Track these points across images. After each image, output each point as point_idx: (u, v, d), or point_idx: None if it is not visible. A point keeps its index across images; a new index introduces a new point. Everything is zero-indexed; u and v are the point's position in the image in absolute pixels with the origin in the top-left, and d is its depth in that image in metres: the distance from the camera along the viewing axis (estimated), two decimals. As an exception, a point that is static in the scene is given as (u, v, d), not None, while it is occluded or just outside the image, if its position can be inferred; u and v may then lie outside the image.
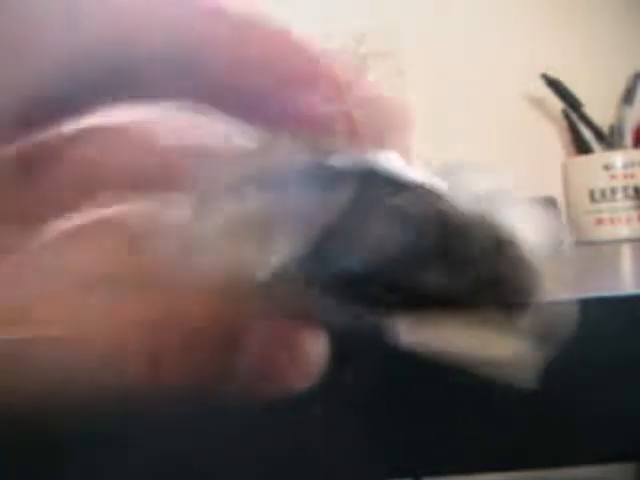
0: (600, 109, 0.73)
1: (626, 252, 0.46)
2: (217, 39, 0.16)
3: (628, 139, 0.71)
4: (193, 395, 0.19)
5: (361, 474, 0.19)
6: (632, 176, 0.68)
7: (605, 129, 0.73)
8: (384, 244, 0.11)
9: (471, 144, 0.81)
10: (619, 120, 0.71)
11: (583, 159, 0.72)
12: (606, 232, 0.69)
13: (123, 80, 0.17)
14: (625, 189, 0.68)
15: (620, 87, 0.72)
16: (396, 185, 0.12)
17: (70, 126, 0.15)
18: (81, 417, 0.19)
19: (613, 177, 0.68)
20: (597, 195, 0.69)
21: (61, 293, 0.13)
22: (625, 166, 0.68)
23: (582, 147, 0.73)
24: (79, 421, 0.19)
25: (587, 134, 0.73)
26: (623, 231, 0.68)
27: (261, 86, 0.16)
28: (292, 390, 0.15)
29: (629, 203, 0.68)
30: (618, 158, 0.69)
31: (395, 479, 0.19)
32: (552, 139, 0.81)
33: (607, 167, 0.69)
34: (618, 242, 0.65)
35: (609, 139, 0.72)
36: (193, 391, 0.16)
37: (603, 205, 0.69)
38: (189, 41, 0.16)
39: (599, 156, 0.71)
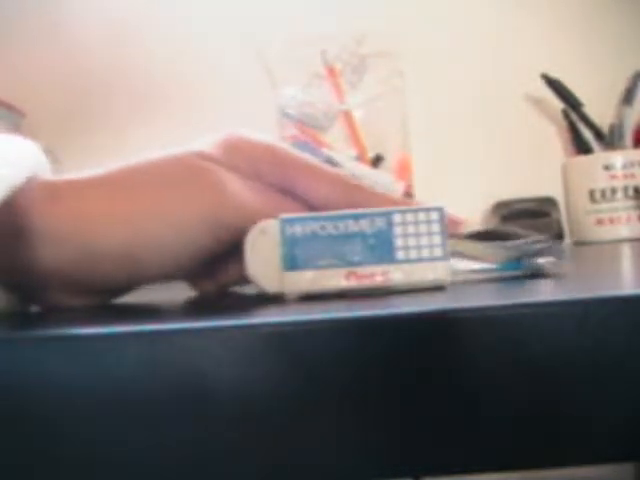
0: (600, 109, 0.73)
1: (626, 252, 0.46)
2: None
3: (628, 139, 0.71)
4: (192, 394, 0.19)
5: (361, 474, 0.19)
6: (632, 176, 0.68)
7: (605, 129, 0.73)
8: None
9: (471, 144, 0.81)
10: (619, 120, 0.71)
11: (583, 159, 0.72)
12: (606, 232, 0.69)
13: None
14: (625, 189, 0.68)
15: (620, 87, 0.72)
16: None
17: None
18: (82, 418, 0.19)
19: (613, 177, 0.68)
20: (597, 195, 0.69)
21: None
22: (625, 166, 0.68)
23: (582, 147, 0.73)
24: (80, 421, 0.19)
25: (587, 134, 0.73)
26: (623, 231, 0.68)
27: None
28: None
29: (629, 203, 0.68)
30: (618, 158, 0.69)
31: (395, 479, 0.19)
32: (552, 139, 0.81)
33: (607, 167, 0.69)
34: (618, 242, 0.65)
35: (609, 139, 0.72)
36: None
37: (603, 205, 0.69)
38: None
39: (599, 156, 0.71)
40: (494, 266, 0.28)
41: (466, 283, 0.28)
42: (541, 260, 0.28)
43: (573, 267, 0.33)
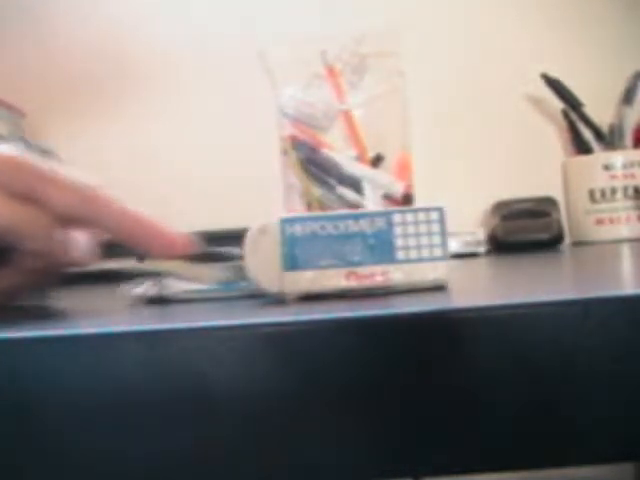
0: (600, 109, 0.73)
1: (626, 252, 0.46)
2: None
3: (628, 139, 0.71)
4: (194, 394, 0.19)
5: (361, 474, 0.19)
6: (632, 176, 0.68)
7: (605, 129, 0.73)
8: None
9: (471, 144, 0.81)
10: (619, 120, 0.71)
11: (583, 159, 0.72)
12: (606, 232, 0.69)
13: None
14: (625, 189, 0.68)
15: (620, 87, 0.72)
16: None
17: None
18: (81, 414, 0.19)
19: (613, 177, 0.68)
20: (597, 195, 0.69)
21: None
22: (625, 166, 0.68)
23: (582, 147, 0.73)
24: (79, 418, 0.19)
25: (587, 134, 0.73)
26: (623, 231, 0.68)
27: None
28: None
29: (629, 203, 0.68)
30: (618, 158, 0.69)
31: (395, 479, 0.19)
32: (552, 139, 0.81)
33: (607, 167, 0.69)
34: (618, 242, 0.65)
35: (609, 139, 0.72)
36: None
37: (603, 205, 0.69)
38: None
39: (599, 156, 0.71)
40: (208, 287, 0.30)
41: (181, 302, 0.29)
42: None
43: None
